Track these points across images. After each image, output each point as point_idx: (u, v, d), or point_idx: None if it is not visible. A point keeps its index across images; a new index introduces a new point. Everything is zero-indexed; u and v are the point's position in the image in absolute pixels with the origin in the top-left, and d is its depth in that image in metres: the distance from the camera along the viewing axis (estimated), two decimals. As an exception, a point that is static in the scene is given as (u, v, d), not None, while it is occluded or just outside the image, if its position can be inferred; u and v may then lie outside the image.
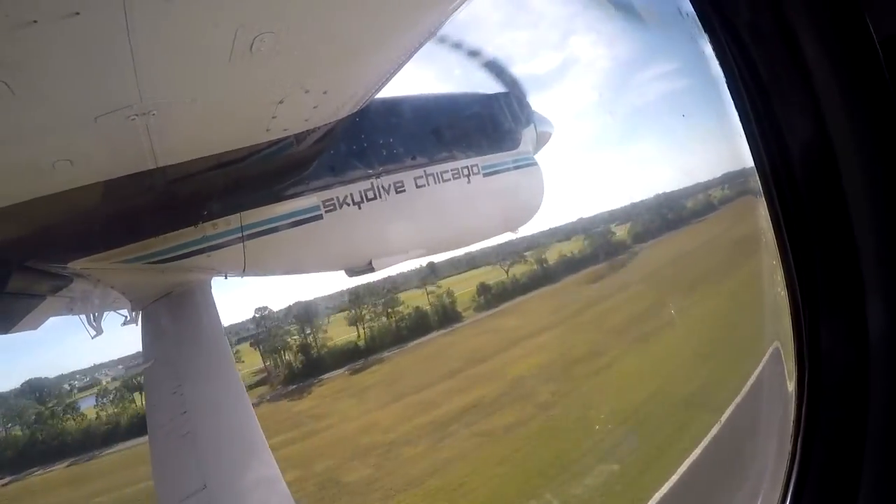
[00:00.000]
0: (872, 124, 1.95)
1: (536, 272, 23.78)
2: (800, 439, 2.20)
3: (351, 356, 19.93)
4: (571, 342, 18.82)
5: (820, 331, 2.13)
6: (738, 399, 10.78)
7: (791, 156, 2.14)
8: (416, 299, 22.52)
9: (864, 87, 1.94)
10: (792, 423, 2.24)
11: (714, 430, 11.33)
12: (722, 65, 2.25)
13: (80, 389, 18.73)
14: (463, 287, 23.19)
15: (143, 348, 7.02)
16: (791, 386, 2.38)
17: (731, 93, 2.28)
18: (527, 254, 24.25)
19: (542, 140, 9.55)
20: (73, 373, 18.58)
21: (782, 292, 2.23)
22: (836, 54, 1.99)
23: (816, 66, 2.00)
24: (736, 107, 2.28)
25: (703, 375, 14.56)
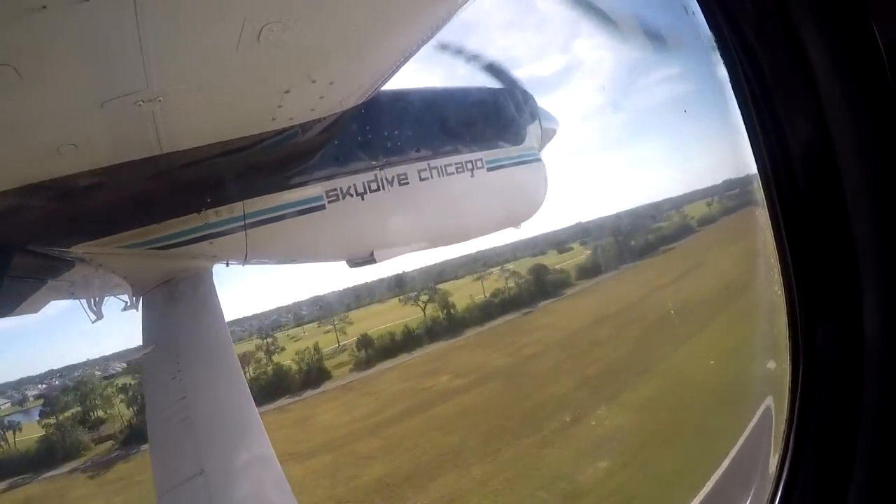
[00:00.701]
0: (874, 128, 1.98)
1: (439, 322, 20.47)
2: (792, 436, 2.23)
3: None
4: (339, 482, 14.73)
5: (816, 328, 2.17)
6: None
7: (793, 158, 2.16)
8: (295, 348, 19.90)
9: (868, 91, 1.97)
10: (785, 420, 2.27)
11: None
12: (726, 64, 2.27)
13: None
14: (353, 330, 20.48)
15: (143, 334, 7.07)
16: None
17: (734, 93, 2.30)
18: (440, 286, 21.25)
19: (546, 136, 9.55)
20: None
21: (778, 291, 2.26)
22: (841, 58, 2.01)
23: (820, 70, 2.02)
24: (739, 108, 2.30)
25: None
